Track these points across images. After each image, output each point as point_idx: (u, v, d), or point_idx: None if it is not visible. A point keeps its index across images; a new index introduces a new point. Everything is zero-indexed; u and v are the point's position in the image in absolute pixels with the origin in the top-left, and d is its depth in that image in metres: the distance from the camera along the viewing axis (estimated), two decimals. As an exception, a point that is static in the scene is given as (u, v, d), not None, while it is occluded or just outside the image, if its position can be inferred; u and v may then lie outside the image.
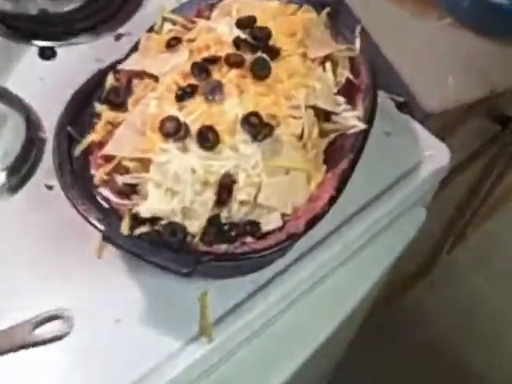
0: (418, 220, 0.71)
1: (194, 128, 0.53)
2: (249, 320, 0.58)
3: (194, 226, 0.52)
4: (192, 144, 0.53)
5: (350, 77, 0.61)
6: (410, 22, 0.77)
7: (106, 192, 0.55)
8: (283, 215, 0.54)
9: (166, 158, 0.52)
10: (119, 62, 0.63)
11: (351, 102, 0.61)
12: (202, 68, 0.56)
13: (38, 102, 0.69)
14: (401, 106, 0.72)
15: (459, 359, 1.37)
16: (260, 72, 0.56)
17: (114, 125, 0.58)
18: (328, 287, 0.65)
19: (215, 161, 0.53)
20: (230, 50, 0.57)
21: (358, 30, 0.65)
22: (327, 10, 0.64)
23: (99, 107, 0.58)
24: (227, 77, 0.56)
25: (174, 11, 0.65)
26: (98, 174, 0.55)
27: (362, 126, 0.58)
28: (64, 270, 0.59)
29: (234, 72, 0.56)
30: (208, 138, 0.53)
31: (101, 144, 0.57)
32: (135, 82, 0.60)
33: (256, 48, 0.57)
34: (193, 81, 0.56)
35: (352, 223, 0.64)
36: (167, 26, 0.64)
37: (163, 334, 0.56)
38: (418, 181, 0.68)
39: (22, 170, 0.64)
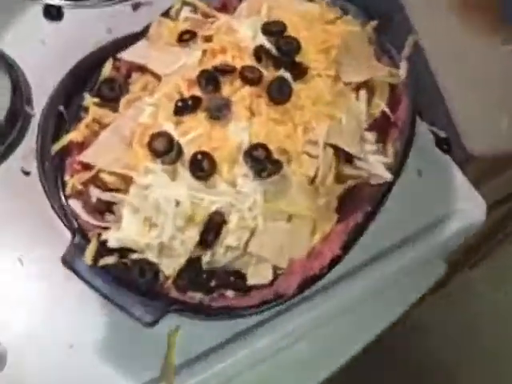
0: (435, 274, 0.62)
1: (189, 151, 0.45)
2: (219, 370, 0.51)
3: (170, 266, 0.45)
4: (183, 169, 0.45)
5: (387, 111, 0.51)
6: (470, 43, 0.66)
7: (76, 206, 0.47)
8: (275, 268, 0.46)
9: (149, 182, 0.44)
10: (128, 39, 0.54)
11: (382, 137, 0.52)
12: (211, 79, 0.47)
13: (32, 70, 0.61)
14: (441, 143, 0.62)
15: (475, 376, 1.31)
16: (278, 95, 0.47)
17: (101, 125, 0.50)
18: (322, 341, 0.56)
19: (206, 194, 0.45)
20: (249, 60, 0.48)
21: (406, 50, 0.55)
22: (374, 23, 0.54)
23: (88, 100, 0.50)
24: (238, 94, 0.47)
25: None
26: (71, 182, 0.47)
27: (388, 176, 0.49)
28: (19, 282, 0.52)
29: (248, 89, 0.47)
30: (202, 166, 0.44)
31: (82, 145, 0.49)
32: (135, 76, 0.52)
33: (280, 63, 0.48)
34: (197, 92, 0.47)
35: (359, 274, 0.56)
36: (186, 11, 0.55)
37: (120, 373, 0.49)
38: (443, 236, 0.58)
39: (-2, 146, 0.57)
